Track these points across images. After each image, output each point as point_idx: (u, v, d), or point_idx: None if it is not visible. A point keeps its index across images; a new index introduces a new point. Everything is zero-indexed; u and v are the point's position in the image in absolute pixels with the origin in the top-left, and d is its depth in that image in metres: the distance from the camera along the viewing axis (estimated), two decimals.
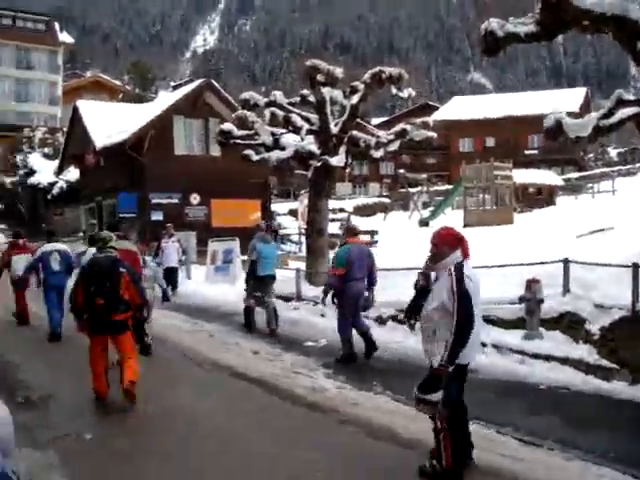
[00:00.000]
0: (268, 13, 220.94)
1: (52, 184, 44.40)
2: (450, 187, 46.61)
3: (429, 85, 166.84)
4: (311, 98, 17.48)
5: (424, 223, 35.10)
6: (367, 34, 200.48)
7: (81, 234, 36.44)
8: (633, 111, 11.23)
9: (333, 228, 18.75)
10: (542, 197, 40.79)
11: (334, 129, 17.16)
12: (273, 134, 17.92)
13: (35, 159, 46.92)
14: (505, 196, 33.45)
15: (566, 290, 10.58)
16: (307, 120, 17.51)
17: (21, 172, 46.55)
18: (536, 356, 9.53)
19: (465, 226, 28.55)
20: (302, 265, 18.06)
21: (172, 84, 44.20)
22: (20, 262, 14.36)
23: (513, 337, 10.23)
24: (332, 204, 33.63)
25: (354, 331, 10.83)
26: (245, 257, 15.38)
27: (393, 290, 12.12)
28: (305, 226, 19.95)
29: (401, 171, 59.30)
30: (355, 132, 17.33)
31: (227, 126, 18.31)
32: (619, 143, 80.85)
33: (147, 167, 29.43)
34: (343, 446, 6.62)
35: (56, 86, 69.25)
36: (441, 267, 5.60)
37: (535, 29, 9.91)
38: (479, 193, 34.04)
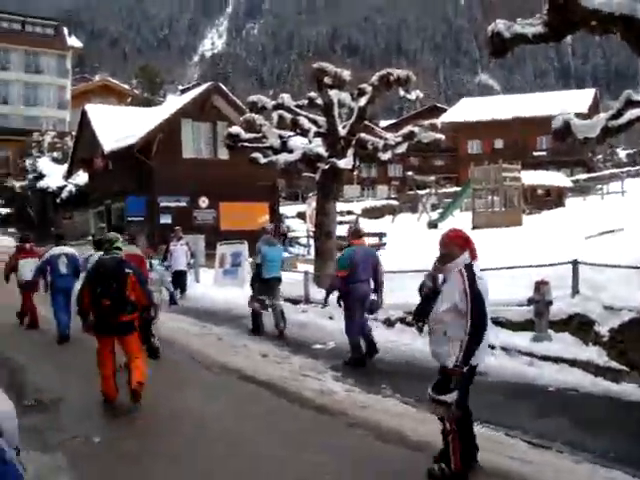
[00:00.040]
0: (275, 16, 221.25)
1: (61, 188, 44.57)
2: (458, 189, 46.51)
3: (437, 87, 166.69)
4: (319, 101, 17.48)
5: (433, 225, 35.04)
6: (375, 36, 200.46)
7: (90, 238, 36.51)
8: None
9: (341, 231, 18.70)
10: (551, 199, 40.65)
11: (342, 131, 17.15)
12: (281, 137, 17.93)
13: (44, 163, 47.11)
14: (514, 198, 33.36)
15: (575, 292, 10.52)
16: (315, 123, 17.50)
17: (30, 176, 46.73)
18: (545, 358, 9.48)
19: (474, 228, 28.51)
20: (310, 268, 18.05)
21: (180, 88, 44.39)
22: (27, 266, 14.46)
23: (522, 339, 10.18)
24: (340, 207, 33.66)
25: None
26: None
27: (401, 292, 12.09)
28: (313, 229, 19.94)
29: (409, 173, 59.26)
30: (363, 134, 17.31)
31: (235, 129, 18.33)
32: (628, 144, 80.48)
33: (155, 171, 29.51)
34: (352, 449, 6.60)
35: (65, 90, 69.53)
36: (450, 268, 5.59)
37: (542, 30, 9.87)
38: (488, 195, 33.96)
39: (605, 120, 11.19)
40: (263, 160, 18.15)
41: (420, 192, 49.21)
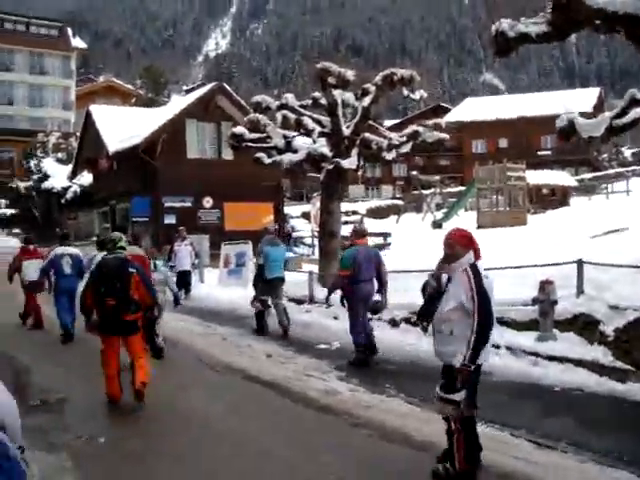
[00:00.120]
0: (280, 17, 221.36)
1: (66, 189, 44.66)
2: (463, 189, 46.47)
3: (441, 87, 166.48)
4: (323, 101, 17.48)
5: (437, 225, 34.99)
6: (379, 36, 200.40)
7: (94, 238, 36.57)
8: None
9: (346, 230, 18.69)
10: (556, 198, 40.58)
11: (346, 131, 17.15)
12: (285, 137, 17.93)
13: (49, 164, 47.22)
14: (518, 197, 33.30)
15: (580, 291, 10.50)
16: (319, 123, 17.50)
17: (35, 177, 46.84)
18: (550, 358, 9.45)
19: (478, 227, 28.47)
20: (315, 268, 18.05)
21: (185, 88, 44.33)
22: (31, 267, 14.54)
23: (527, 339, 10.16)
24: (345, 206, 33.65)
25: None
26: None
27: (406, 292, 12.07)
28: (318, 229, 19.94)
29: (414, 173, 59.26)
30: (367, 134, 17.30)
31: (239, 129, 18.33)
32: (633, 143, 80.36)
33: (160, 171, 29.56)
34: (356, 449, 6.60)
35: (69, 91, 69.66)
36: (455, 268, 5.60)
37: (546, 29, 9.85)
38: (492, 194, 33.89)
39: (609, 119, 11.17)
40: (267, 160, 18.14)
41: (425, 192, 49.18)
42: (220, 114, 31.55)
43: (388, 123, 75.06)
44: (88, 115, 36.28)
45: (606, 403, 7.92)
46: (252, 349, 11.95)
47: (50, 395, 8.81)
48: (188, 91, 38.08)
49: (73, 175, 41.98)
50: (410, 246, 23.47)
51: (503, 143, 67.35)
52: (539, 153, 63.20)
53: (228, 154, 28.37)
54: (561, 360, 9.30)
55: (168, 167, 29.16)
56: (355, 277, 10.51)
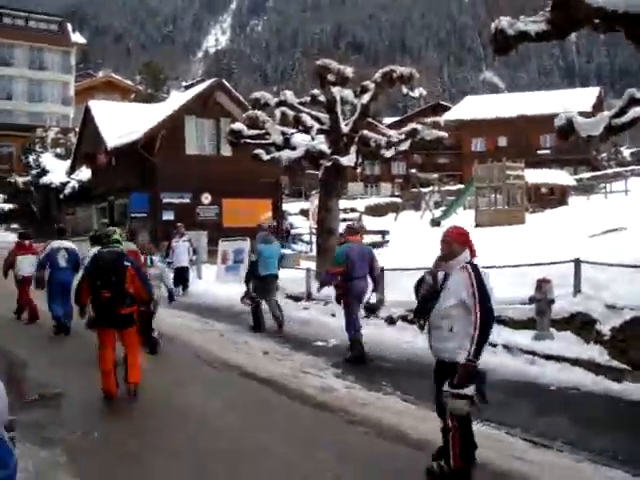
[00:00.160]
0: (280, 13, 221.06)
1: (64, 184, 44.59)
2: (462, 187, 46.46)
3: (441, 85, 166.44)
4: (322, 98, 17.47)
5: (436, 223, 34.99)
6: (379, 33, 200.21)
7: (92, 233, 36.53)
8: None
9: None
10: (554, 197, 40.58)
11: (345, 129, 17.15)
12: (284, 133, 17.92)
13: (47, 159, 47.15)
14: (517, 196, 33.28)
15: (577, 290, 10.51)
16: (317, 120, 17.49)
17: (34, 172, 46.78)
18: (546, 357, 9.47)
19: (477, 226, 28.47)
20: (313, 265, 18.04)
21: (184, 84, 44.24)
22: (25, 262, 14.57)
23: (523, 337, 10.17)
24: (343, 204, 33.63)
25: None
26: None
27: (403, 290, 12.07)
28: (316, 226, 19.93)
29: (413, 171, 59.28)
30: (366, 132, 17.30)
31: (238, 126, 18.32)
32: (632, 143, 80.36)
33: (158, 167, 29.52)
34: (352, 446, 6.60)
35: (69, 86, 69.61)
36: (452, 265, 5.62)
37: (546, 28, 9.83)
38: (491, 193, 33.89)
39: (608, 118, 11.16)
40: (266, 157, 18.14)
41: (423, 190, 49.17)
42: (219, 110, 31.50)
43: (388, 121, 75.10)
44: (87, 110, 36.22)
45: (602, 402, 7.93)
46: (249, 346, 11.94)
47: (46, 390, 8.80)
48: (187, 87, 38.03)
49: (72, 170, 41.91)
50: (408, 244, 23.46)
51: (502, 142, 67.29)
52: (538, 152, 63.12)
53: (227, 150, 28.31)
54: (558, 359, 9.32)
55: (167, 163, 29.12)
56: (349, 274, 10.57)
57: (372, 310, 11.86)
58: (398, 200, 54.70)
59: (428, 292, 5.80)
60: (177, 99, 35.18)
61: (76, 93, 69.21)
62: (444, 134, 17.62)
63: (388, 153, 17.40)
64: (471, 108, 71.29)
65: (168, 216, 29.33)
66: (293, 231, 37.29)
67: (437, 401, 5.77)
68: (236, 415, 7.77)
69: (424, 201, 45.06)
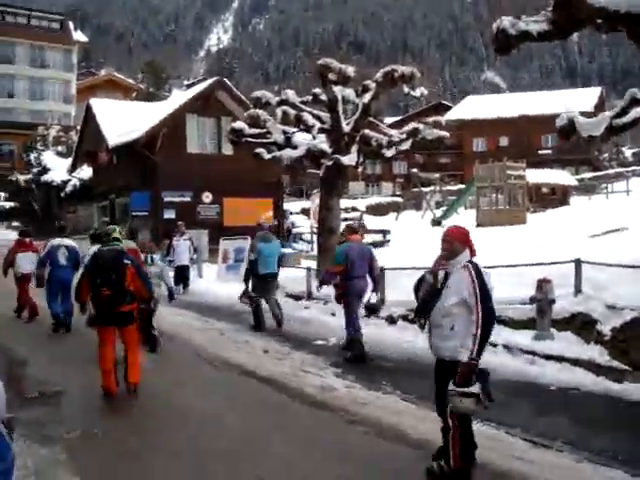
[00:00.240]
0: (282, 12, 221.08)
1: (65, 182, 44.60)
2: (463, 187, 46.43)
3: (443, 84, 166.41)
4: (323, 97, 17.46)
5: (437, 223, 34.95)
6: (381, 32, 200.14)
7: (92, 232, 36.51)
8: None
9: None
10: (556, 197, 40.54)
11: (346, 128, 17.13)
12: (285, 133, 17.90)
13: (49, 157, 47.15)
14: (518, 196, 33.23)
15: (578, 290, 10.51)
16: (319, 119, 17.48)
17: (35, 170, 46.78)
18: (547, 357, 9.46)
19: (478, 226, 28.42)
20: (314, 264, 18.04)
21: (186, 83, 44.23)
22: (24, 259, 14.61)
23: (524, 337, 10.17)
24: (345, 203, 33.61)
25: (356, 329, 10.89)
26: None
27: (404, 289, 12.06)
28: (317, 225, 19.92)
29: (414, 170, 59.15)
30: (367, 131, 17.27)
31: (239, 124, 18.30)
32: (634, 143, 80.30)
33: (160, 165, 29.52)
34: (352, 446, 6.60)
35: (70, 85, 69.64)
36: (453, 264, 5.65)
37: (548, 27, 9.82)
38: (492, 193, 33.83)
39: (610, 118, 11.15)
40: (267, 156, 18.13)
41: (424, 189, 49.16)
42: (220, 109, 31.49)
43: (389, 120, 75.08)
44: (88, 109, 36.22)
45: (602, 402, 7.93)
46: (249, 345, 11.94)
47: (46, 388, 8.80)
48: (189, 86, 38.02)
49: (73, 168, 41.92)
50: (409, 243, 23.43)
51: (504, 141, 67.25)
52: (540, 152, 63.08)
53: (228, 149, 28.35)
54: (558, 359, 9.31)
55: (168, 162, 29.11)
56: (348, 273, 10.61)
57: (373, 310, 11.85)
58: (399, 200, 54.68)
59: (428, 291, 5.81)
60: (178, 98, 35.15)
61: (78, 91, 69.26)
62: (445, 134, 17.59)
63: (389, 152, 17.39)
64: (472, 108, 71.25)
65: (169, 215, 29.31)
66: (294, 230, 37.28)
67: (437, 401, 5.77)
68: (236, 414, 7.76)
69: (425, 201, 45.04)
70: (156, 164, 29.60)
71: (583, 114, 11.87)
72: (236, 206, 30.61)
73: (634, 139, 74.96)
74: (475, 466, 5.65)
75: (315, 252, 20.90)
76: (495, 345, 9.60)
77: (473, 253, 5.71)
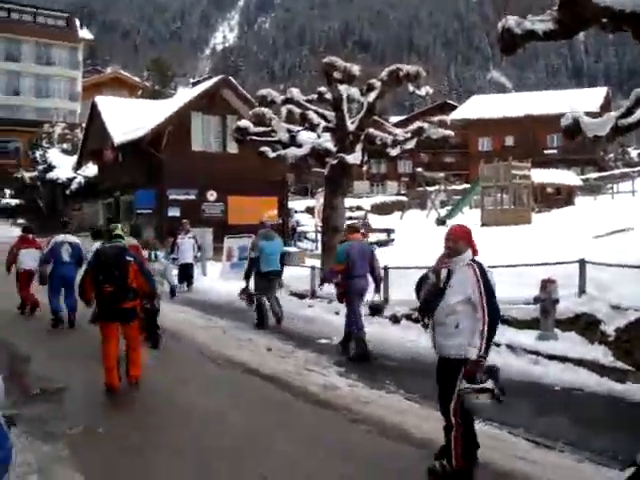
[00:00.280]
0: (287, 10, 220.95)
1: (71, 179, 44.66)
2: (468, 186, 46.39)
3: (448, 84, 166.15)
4: (328, 95, 17.44)
5: (441, 222, 34.94)
6: (387, 31, 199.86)
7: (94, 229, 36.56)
8: None
9: None
10: (561, 197, 40.50)
11: (351, 127, 17.12)
12: (290, 131, 17.91)
13: (54, 154, 47.21)
14: (523, 196, 33.21)
15: (582, 291, 10.48)
16: (324, 117, 17.47)
17: (40, 167, 46.85)
18: (550, 357, 9.45)
19: (483, 225, 28.45)
20: (318, 263, 18.04)
21: (192, 81, 44.25)
22: (27, 255, 14.64)
23: (528, 337, 10.16)
24: (349, 202, 33.60)
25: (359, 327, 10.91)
26: None
27: (408, 288, 12.04)
28: (321, 224, 19.92)
29: (419, 170, 59.12)
30: (372, 130, 17.26)
31: (244, 123, 18.31)
32: (639, 143, 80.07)
33: (165, 163, 29.53)
34: (355, 445, 6.60)
35: (76, 82, 69.73)
36: (456, 262, 5.67)
37: (553, 27, 9.78)
38: (497, 192, 33.82)
39: (615, 118, 11.10)
40: (272, 154, 18.13)
41: (429, 189, 49.13)
42: (225, 107, 31.49)
43: (394, 119, 74.91)
44: (94, 106, 36.26)
45: (605, 403, 7.91)
46: (253, 343, 11.95)
47: (49, 384, 8.82)
48: (195, 84, 38.03)
49: (78, 166, 42.00)
50: (414, 242, 23.42)
51: (509, 141, 67.14)
52: (545, 152, 62.94)
53: (233, 147, 28.38)
54: (562, 359, 9.30)
55: (173, 160, 29.12)
56: (349, 272, 10.63)
57: (377, 310, 11.87)
58: (404, 199, 54.70)
59: (431, 290, 5.82)
60: (184, 96, 35.17)
61: (83, 89, 69.32)
62: (450, 133, 17.56)
63: (394, 151, 17.37)
64: (478, 107, 71.14)
65: (174, 212, 29.33)
66: (299, 229, 37.29)
67: (440, 400, 5.77)
68: (239, 412, 7.77)
69: (430, 200, 45.03)
70: (161, 162, 29.62)
71: (589, 114, 11.82)
72: (241, 204, 30.60)
73: None
74: (477, 466, 5.66)
75: (319, 251, 20.91)
76: (499, 345, 9.58)
77: (475, 252, 5.74)
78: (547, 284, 10.03)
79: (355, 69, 17.00)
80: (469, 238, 5.76)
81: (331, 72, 16.84)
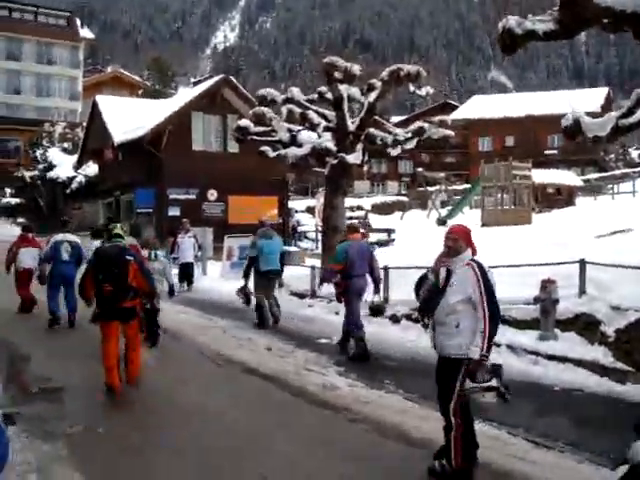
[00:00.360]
0: (288, 10, 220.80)
1: (71, 179, 44.68)
2: (469, 186, 46.38)
3: (449, 84, 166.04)
4: (329, 95, 17.46)
5: (442, 222, 34.93)
6: (387, 31, 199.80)
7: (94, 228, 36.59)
8: None
9: None
10: (561, 197, 40.46)
11: (351, 126, 17.12)
12: (290, 131, 17.91)
13: (55, 154, 47.22)
14: (523, 196, 33.20)
15: (582, 291, 10.48)
16: (324, 117, 17.48)
17: (41, 166, 46.86)
18: (550, 357, 9.45)
19: (483, 225, 28.44)
20: (318, 262, 18.05)
21: (192, 80, 44.25)
22: (27, 254, 14.62)
23: (528, 337, 10.15)
24: (350, 202, 33.60)
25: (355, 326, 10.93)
26: None
27: (408, 288, 12.04)
28: (321, 223, 19.93)
29: (420, 170, 59.13)
30: (372, 130, 17.27)
31: (244, 122, 18.31)
32: None
33: (165, 163, 29.55)
34: (355, 445, 6.60)
35: (76, 81, 69.70)
36: (456, 262, 5.68)
37: (554, 27, 9.77)
38: (497, 193, 33.81)
39: (615, 119, 11.08)
40: (272, 154, 18.15)
41: (430, 189, 49.12)
42: (226, 107, 31.51)
43: (395, 119, 74.89)
44: (94, 105, 36.29)
45: (604, 403, 7.91)
46: (252, 342, 11.94)
47: (49, 383, 8.81)
48: (196, 83, 38.04)
49: (78, 165, 42.02)
50: (414, 242, 23.41)
51: (510, 141, 67.08)
52: (546, 152, 62.89)
53: (233, 147, 28.42)
54: (561, 360, 9.30)
55: (173, 159, 29.14)
56: (348, 272, 10.65)
57: (377, 311, 11.88)
58: (405, 199, 54.69)
59: (430, 290, 5.82)
60: (184, 95, 35.20)
61: (84, 88, 69.28)
62: (450, 133, 17.57)
63: (394, 151, 17.39)
64: (479, 107, 71.09)
65: (174, 212, 29.35)
66: (299, 228, 37.30)
67: (440, 400, 5.77)
68: (239, 412, 7.76)
69: (431, 200, 45.02)
70: (161, 161, 29.63)
71: (590, 114, 11.79)
72: (241, 204, 30.61)
73: None
74: (477, 466, 5.66)
75: (320, 250, 20.91)
76: (499, 345, 9.57)
77: (474, 252, 5.76)
78: (547, 284, 10.03)
79: (356, 69, 17.01)
80: (468, 238, 5.78)
81: (332, 72, 16.85)
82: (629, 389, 8.21)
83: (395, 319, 12.68)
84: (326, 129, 17.40)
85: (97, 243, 9.94)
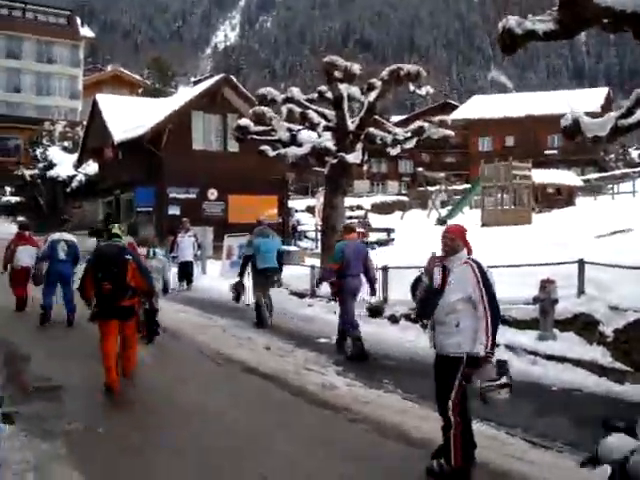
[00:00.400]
0: (288, 9, 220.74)
1: (71, 177, 44.63)
2: (468, 186, 46.37)
3: (449, 83, 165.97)
4: (328, 94, 17.46)
5: (442, 222, 34.88)
6: (387, 31, 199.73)
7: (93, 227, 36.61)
8: None
9: None
10: (561, 197, 40.43)
11: (351, 126, 17.12)
12: (290, 130, 17.91)
13: (55, 152, 47.17)
14: (523, 196, 33.18)
15: (581, 291, 10.48)
16: (324, 116, 17.48)
17: (41, 165, 46.82)
18: (549, 357, 9.46)
19: (483, 225, 28.44)
20: (318, 262, 18.05)
21: (193, 80, 44.23)
22: (24, 252, 14.60)
23: (527, 337, 10.16)
24: (350, 201, 33.59)
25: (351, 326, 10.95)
26: None
27: (407, 288, 12.03)
28: (321, 223, 19.93)
29: (420, 169, 59.12)
30: (372, 129, 17.26)
31: (244, 121, 18.32)
32: None
33: (165, 162, 29.53)
34: (354, 445, 6.61)
35: (77, 80, 69.62)
36: (453, 261, 5.69)
37: (554, 27, 9.77)
38: (497, 193, 33.79)
39: (615, 119, 11.08)
40: (272, 153, 18.15)
41: (430, 188, 49.12)
42: (226, 106, 31.48)
43: (395, 119, 74.87)
44: (94, 104, 36.27)
45: (603, 403, 7.91)
46: (252, 342, 11.95)
47: (48, 382, 8.82)
48: (196, 83, 38.02)
49: (78, 164, 42.00)
50: (414, 242, 23.39)
51: (510, 141, 67.03)
52: (546, 152, 62.85)
53: (234, 146, 28.38)
54: (560, 360, 9.31)
55: (173, 158, 29.12)
56: (343, 271, 10.69)
57: (376, 312, 11.90)
58: (405, 198, 54.67)
59: (426, 291, 5.83)
60: (184, 94, 35.18)
61: (84, 87, 69.20)
62: (450, 133, 17.57)
63: (394, 151, 17.39)
64: (479, 107, 71.05)
65: (174, 211, 29.33)
66: (299, 228, 37.30)
67: (438, 399, 5.77)
68: (239, 412, 7.77)
69: (431, 200, 45.00)
70: (161, 160, 29.62)
71: (590, 114, 11.80)
72: (241, 203, 30.58)
73: None
74: (475, 465, 5.66)
75: (319, 250, 20.91)
76: (498, 345, 9.55)
77: (470, 251, 5.78)
78: (546, 284, 10.03)
79: (356, 68, 17.01)
80: (464, 237, 5.80)
81: (332, 71, 16.85)
82: (628, 389, 8.22)
83: (394, 319, 12.69)
84: (326, 128, 17.40)
85: (95, 240, 9.99)
